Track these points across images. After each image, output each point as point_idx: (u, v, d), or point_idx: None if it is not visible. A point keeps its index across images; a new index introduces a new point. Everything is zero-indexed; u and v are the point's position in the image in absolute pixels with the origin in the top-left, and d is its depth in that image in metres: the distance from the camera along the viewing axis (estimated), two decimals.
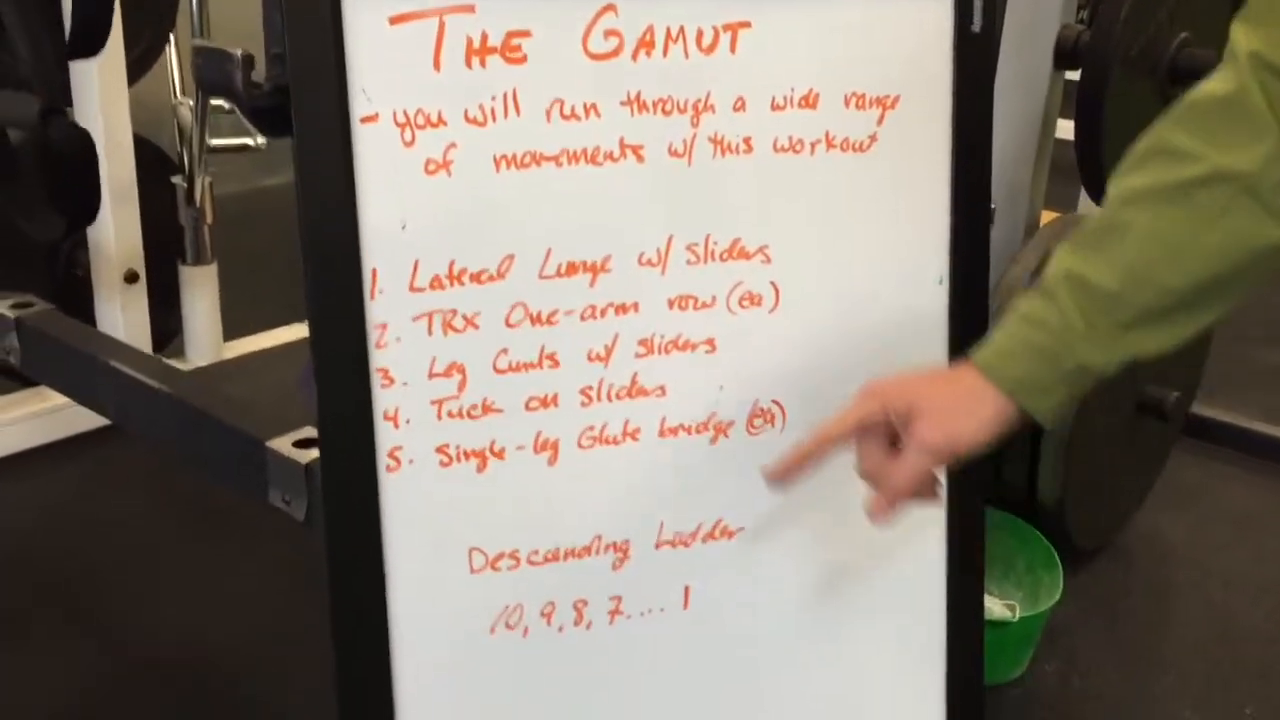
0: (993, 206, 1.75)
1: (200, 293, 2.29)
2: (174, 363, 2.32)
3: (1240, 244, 0.84)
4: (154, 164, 2.23)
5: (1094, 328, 0.87)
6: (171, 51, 2.31)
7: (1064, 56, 1.77)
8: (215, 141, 2.21)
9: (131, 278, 2.13)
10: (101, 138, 2.00)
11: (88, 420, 2.07)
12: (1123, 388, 1.81)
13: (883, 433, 0.95)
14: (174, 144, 2.24)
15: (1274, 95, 0.81)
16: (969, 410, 0.91)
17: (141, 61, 2.23)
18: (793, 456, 0.99)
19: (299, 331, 2.49)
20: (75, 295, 2.14)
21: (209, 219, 2.24)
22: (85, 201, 1.52)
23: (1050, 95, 1.81)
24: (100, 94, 1.98)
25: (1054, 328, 0.88)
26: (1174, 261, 0.85)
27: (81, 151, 1.48)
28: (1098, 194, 1.83)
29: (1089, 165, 1.74)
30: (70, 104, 1.61)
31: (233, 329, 2.43)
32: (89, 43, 1.42)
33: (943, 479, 0.98)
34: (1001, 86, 1.75)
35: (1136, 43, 1.69)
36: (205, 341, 2.33)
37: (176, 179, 2.21)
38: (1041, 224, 1.91)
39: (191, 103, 2.16)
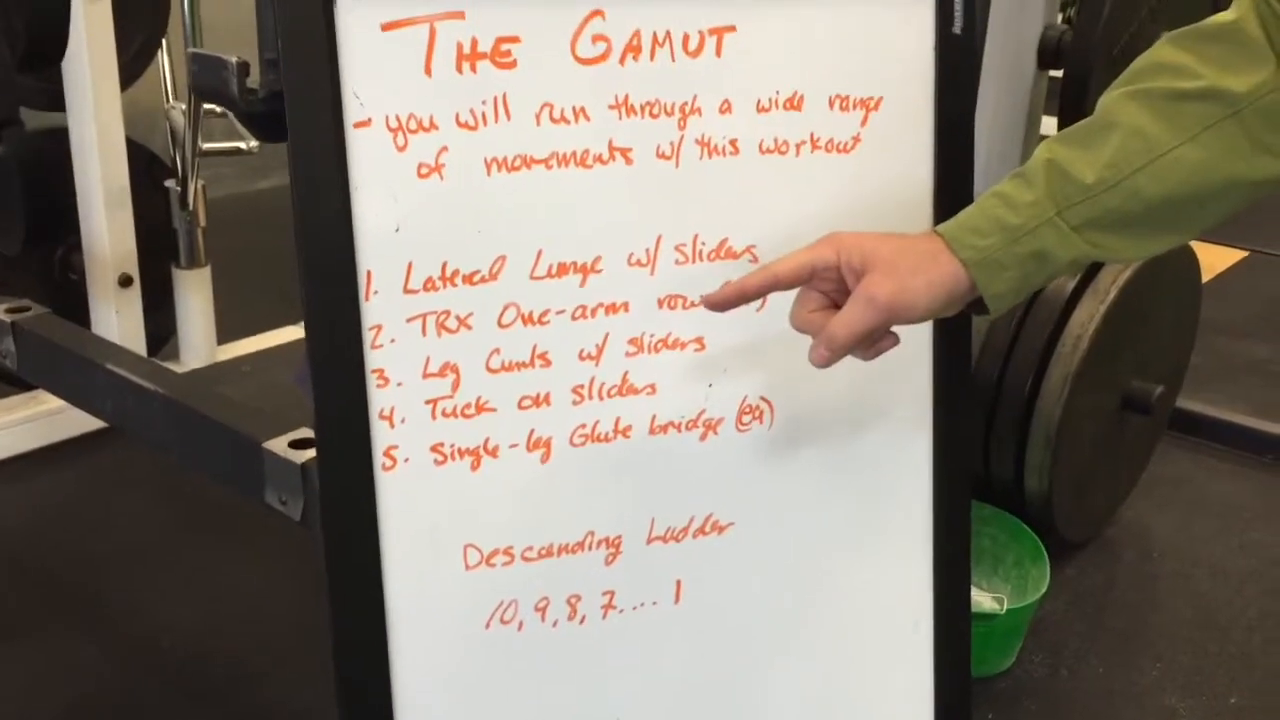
0: None
1: (194, 296, 2.31)
2: (168, 365, 2.34)
3: (1217, 167, 0.85)
4: (147, 168, 2.25)
5: (1062, 216, 0.88)
6: (164, 55, 2.32)
7: (1047, 56, 1.79)
8: (208, 146, 2.22)
9: (126, 281, 2.14)
10: (95, 142, 2.02)
11: (85, 423, 2.08)
12: (1108, 382, 1.83)
13: (830, 284, 0.94)
14: (167, 148, 2.25)
15: (1271, 26, 0.83)
16: (923, 271, 0.91)
17: (134, 65, 2.25)
18: (734, 288, 0.97)
19: (292, 334, 2.51)
20: (70, 299, 2.15)
21: (202, 222, 2.25)
22: (41, 215, 1.52)
23: (1034, 94, 1.83)
24: (93, 98, 2.00)
25: (1024, 207, 0.89)
26: (1152, 167, 0.85)
27: (35, 164, 1.48)
28: None
29: None
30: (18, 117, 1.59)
31: (226, 332, 2.45)
32: (43, 56, 1.42)
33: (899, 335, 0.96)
34: (985, 85, 1.78)
35: (1118, 42, 1.72)
36: (199, 344, 2.35)
37: (170, 183, 2.23)
38: None
39: (184, 107, 2.18)
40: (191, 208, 2.22)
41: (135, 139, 2.19)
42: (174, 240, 2.26)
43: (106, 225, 2.08)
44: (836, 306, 0.94)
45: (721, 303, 0.98)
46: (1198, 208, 0.88)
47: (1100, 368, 1.77)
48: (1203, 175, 0.85)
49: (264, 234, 2.98)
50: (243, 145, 2.30)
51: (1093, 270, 1.79)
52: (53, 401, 2.07)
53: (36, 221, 1.53)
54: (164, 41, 2.31)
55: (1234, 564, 1.93)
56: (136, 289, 2.17)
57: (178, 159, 2.20)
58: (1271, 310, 3.00)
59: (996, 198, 0.92)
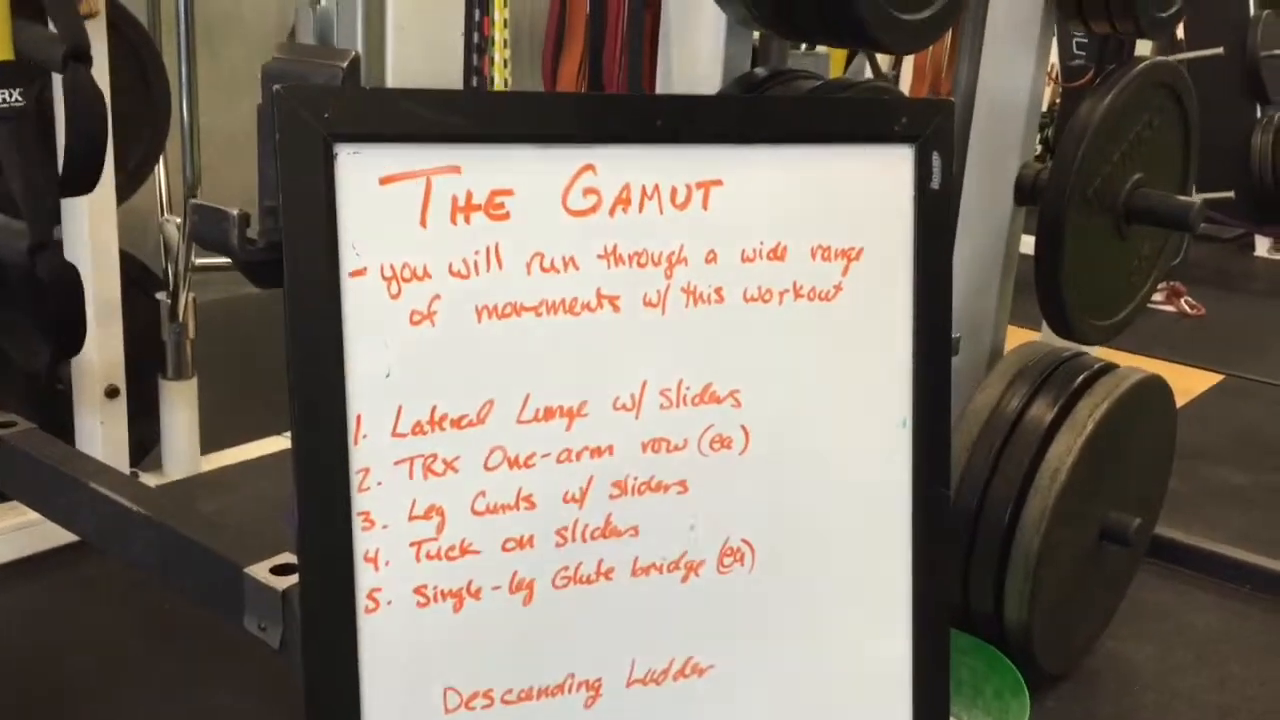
0: (956, 336, 1.81)
1: (179, 407, 2.31)
2: (151, 475, 2.34)
3: None
4: (138, 278, 2.27)
5: None
6: (161, 169, 2.36)
7: (1024, 193, 1.84)
8: (201, 260, 2.25)
9: (112, 393, 2.15)
10: (88, 256, 2.04)
11: (63, 534, 2.07)
12: (1086, 514, 1.84)
13: None
14: (158, 256, 2.28)
15: None
16: None
17: (132, 181, 2.28)
18: None
19: (277, 444, 2.51)
20: (56, 408, 2.15)
21: (191, 335, 2.27)
22: (69, 334, 1.56)
23: (1011, 230, 1.88)
24: (89, 214, 2.03)
25: None
26: None
27: (67, 287, 1.52)
28: (1060, 327, 1.89)
29: (1050, 300, 1.80)
30: (55, 228, 1.65)
31: (210, 438, 2.44)
32: (81, 182, 1.47)
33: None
34: (964, 219, 1.82)
35: (1093, 182, 1.77)
36: (183, 455, 2.35)
37: (160, 295, 2.25)
38: (1005, 350, 1.97)
39: (179, 220, 2.21)
40: (181, 320, 2.24)
41: (126, 248, 2.21)
42: (161, 349, 2.28)
43: (96, 338, 2.09)
44: None
45: None
46: None
47: (1079, 500, 1.79)
48: None
49: (251, 340, 3.00)
50: None
51: (1070, 402, 1.82)
52: (30, 512, 2.06)
53: (62, 343, 1.57)
54: (161, 157, 2.35)
55: (1214, 699, 1.92)
56: (122, 400, 2.17)
57: (169, 271, 2.22)
58: (1247, 436, 3.03)
59: None
